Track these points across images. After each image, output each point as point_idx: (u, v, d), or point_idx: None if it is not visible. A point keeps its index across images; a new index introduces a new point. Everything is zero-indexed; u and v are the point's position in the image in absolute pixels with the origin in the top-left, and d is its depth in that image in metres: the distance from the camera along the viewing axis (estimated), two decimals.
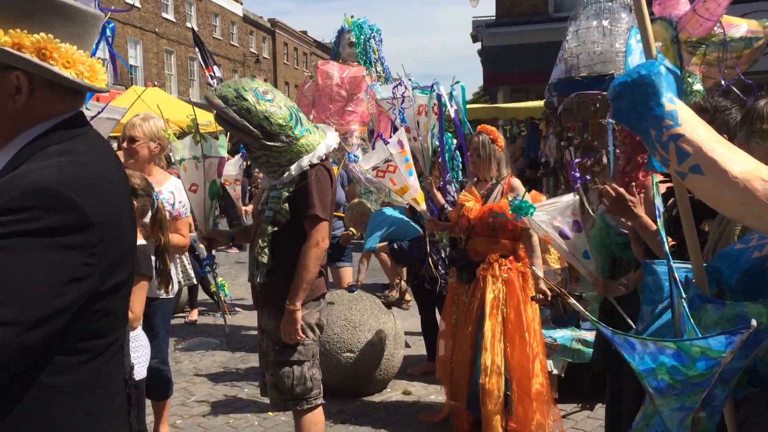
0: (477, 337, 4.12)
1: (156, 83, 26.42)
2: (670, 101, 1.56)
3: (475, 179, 4.41)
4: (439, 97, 4.72)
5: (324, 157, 3.29)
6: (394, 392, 5.04)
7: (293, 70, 49.12)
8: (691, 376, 1.26)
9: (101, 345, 1.34)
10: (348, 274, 5.87)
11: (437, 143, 4.87)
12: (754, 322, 1.18)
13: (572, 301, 1.75)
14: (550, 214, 3.43)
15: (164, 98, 17.03)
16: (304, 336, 3.23)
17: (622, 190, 2.74)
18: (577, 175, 4.63)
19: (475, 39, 21.47)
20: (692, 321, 1.39)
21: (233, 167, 6.35)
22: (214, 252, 4.02)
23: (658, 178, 2.69)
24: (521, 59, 16.97)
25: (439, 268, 5.05)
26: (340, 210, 5.95)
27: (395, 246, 5.47)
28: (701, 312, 1.53)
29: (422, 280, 5.29)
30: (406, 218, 5.04)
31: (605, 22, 5.10)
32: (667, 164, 1.56)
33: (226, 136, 4.19)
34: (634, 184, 2.91)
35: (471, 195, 4.33)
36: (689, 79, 5.08)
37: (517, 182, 4.29)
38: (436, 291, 5.03)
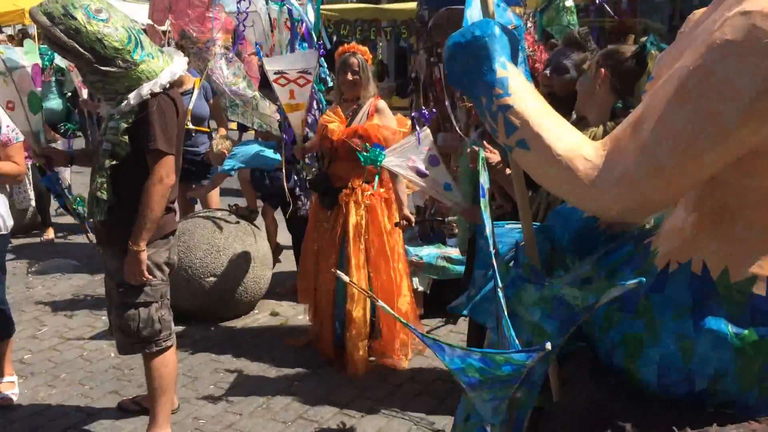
0: (340, 264, 4.07)
1: None
2: (503, 66, 1.46)
3: (342, 99, 4.23)
4: (290, 11, 4.42)
5: (168, 85, 3.02)
6: (262, 314, 4.98)
7: None
8: (499, 376, 1.25)
9: None
10: (213, 194, 5.64)
11: None
12: (548, 345, 1.16)
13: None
14: (403, 155, 3.34)
15: None
16: (150, 276, 3.07)
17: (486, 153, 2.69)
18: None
19: None
20: (506, 312, 1.36)
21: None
22: (60, 169, 3.77)
23: (486, 153, 2.67)
24: None
25: (298, 191, 4.90)
26: (204, 124, 5.64)
27: (257, 174, 5.32)
28: (522, 292, 1.51)
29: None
30: (267, 149, 4.82)
31: None
32: (496, 135, 1.48)
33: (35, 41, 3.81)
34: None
35: (335, 116, 4.16)
36: None
37: (383, 104, 4.16)
38: (295, 214, 4.89)
